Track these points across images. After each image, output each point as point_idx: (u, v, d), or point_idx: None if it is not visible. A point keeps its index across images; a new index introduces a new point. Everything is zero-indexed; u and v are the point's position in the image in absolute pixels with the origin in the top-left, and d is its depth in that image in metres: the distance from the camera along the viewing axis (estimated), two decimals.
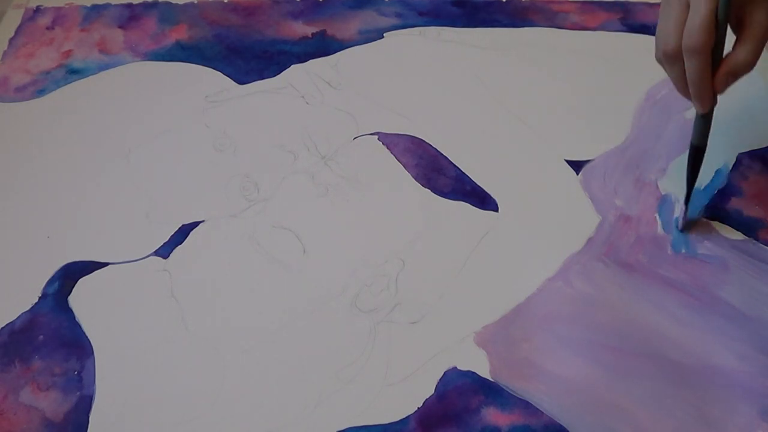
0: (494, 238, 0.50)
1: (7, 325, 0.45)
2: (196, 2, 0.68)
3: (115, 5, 0.67)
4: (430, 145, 0.55)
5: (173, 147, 0.55)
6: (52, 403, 0.41)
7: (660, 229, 0.50)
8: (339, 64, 0.62)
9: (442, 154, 0.55)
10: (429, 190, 0.52)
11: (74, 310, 0.46)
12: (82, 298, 0.46)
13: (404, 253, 0.49)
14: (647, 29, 0.64)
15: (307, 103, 0.58)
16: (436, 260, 0.48)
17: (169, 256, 0.48)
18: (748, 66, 0.42)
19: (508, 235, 0.50)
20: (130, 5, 0.67)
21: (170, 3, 0.67)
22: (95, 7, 0.67)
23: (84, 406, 0.41)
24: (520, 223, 0.50)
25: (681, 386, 0.42)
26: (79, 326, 0.45)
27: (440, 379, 0.42)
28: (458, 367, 0.43)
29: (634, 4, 0.67)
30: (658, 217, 0.50)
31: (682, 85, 0.44)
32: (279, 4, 0.67)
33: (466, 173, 0.53)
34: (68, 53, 0.62)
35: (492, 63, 0.62)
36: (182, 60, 0.62)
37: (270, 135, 0.56)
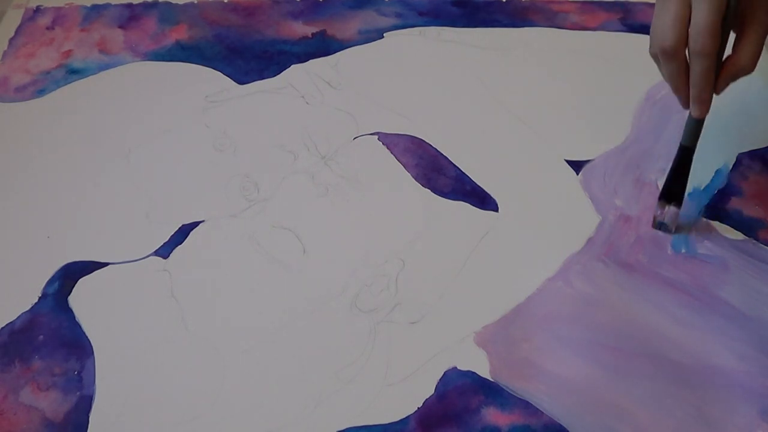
0: (494, 238, 0.50)
1: (7, 325, 0.45)
2: (196, 2, 0.68)
3: (115, 5, 0.67)
4: (430, 145, 0.55)
5: (173, 147, 0.55)
6: (52, 403, 0.41)
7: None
8: (339, 64, 0.62)
9: (442, 154, 0.55)
10: (429, 190, 0.52)
11: (74, 310, 0.46)
12: (82, 298, 0.46)
13: (404, 253, 0.49)
14: (647, 29, 0.63)
15: (307, 103, 0.58)
16: (436, 260, 0.48)
17: (169, 256, 0.48)
18: (751, 68, 0.41)
19: (508, 235, 0.50)
20: (130, 5, 0.67)
21: (170, 3, 0.67)
22: (95, 7, 0.67)
23: (84, 406, 0.41)
24: (520, 223, 0.50)
25: (681, 386, 0.42)
26: (79, 326, 0.45)
27: (440, 379, 0.42)
28: (458, 367, 0.43)
29: (634, 4, 0.67)
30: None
31: (676, 83, 0.43)
32: (279, 4, 0.67)
33: (466, 173, 0.53)
34: (68, 53, 0.62)
35: (492, 63, 0.62)
36: (182, 60, 0.62)
37: (270, 135, 0.56)
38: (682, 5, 0.40)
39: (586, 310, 0.45)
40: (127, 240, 0.49)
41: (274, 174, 0.53)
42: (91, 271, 0.48)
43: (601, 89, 0.60)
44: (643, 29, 0.64)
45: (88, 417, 0.41)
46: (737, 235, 0.49)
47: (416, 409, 0.41)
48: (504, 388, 0.42)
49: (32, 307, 0.46)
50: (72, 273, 0.47)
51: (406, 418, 0.41)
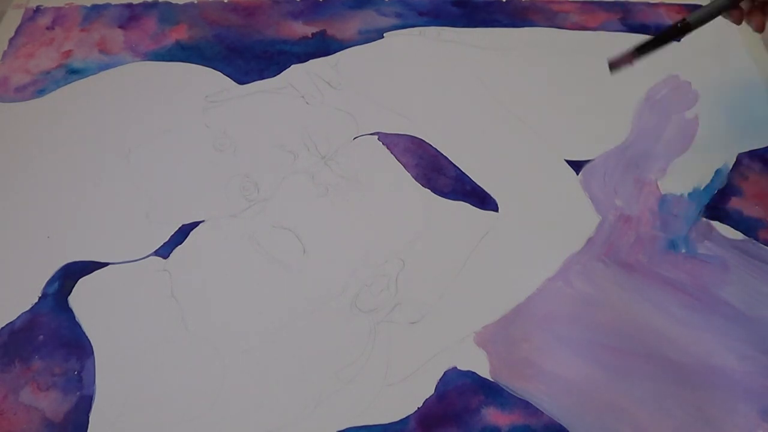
0: (494, 238, 0.50)
1: (7, 325, 0.45)
2: (196, 2, 0.68)
3: (115, 5, 0.67)
4: (430, 145, 0.55)
5: (173, 147, 0.55)
6: (52, 403, 0.41)
7: (660, 229, 0.50)
8: (339, 64, 0.62)
9: (442, 154, 0.55)
10: (429, 190, 0.52)
11: (74, 310, 0.46)
12: (82, 298, 0.46)
13: (404, 253, 0.49)
14: (647, 29, 0.64)
15: (307, 103, 0.58)
16: (436, 260, 0.48)
17: (169, 256, 0.48)
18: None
19: (508, 235, 0.50)
20: (130, 5, 0.67)
21: (170, 3, 0.67)
22: (95, 7, 0.67)
23: (84, 406, 0.41)
24: (520, 223, 0.50)
25: (681, 386, 0.42)
26: (79, 326, 0.45)
27: (440, 379, 0.43)
28: (458, 367, 0.43)
29: (634, 4, 0.67)
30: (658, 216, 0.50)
31: None
32: (279, 4, 0.67)
33: (466, 173, 0.53)
34: (68, 53, 0.62)
35: (492, 63, 0.62)
36: (182, 60, 0.62)
37: (270, 135, 0.56)
38: None
39: (586, 310, 0.45)
40: (127, 240, 0.49)
41: (274, 174, 0.53)
42: (91, 271, 0.48)
43: (601, 89, 0.60)
44: (643, 29, 0.64)
45: (88, 417, 0.41)
46: (737, 235, 0.49)
47: (416, 409, 0.41)
48: (504, 388, 0.42)
49: (32, 307, 0.46)
50: (72, 273, 0.47)
51: (406, 418, 0.41)
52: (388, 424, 0.41)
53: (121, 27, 0.65)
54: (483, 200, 0.52)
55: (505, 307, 0.46)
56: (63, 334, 0.44)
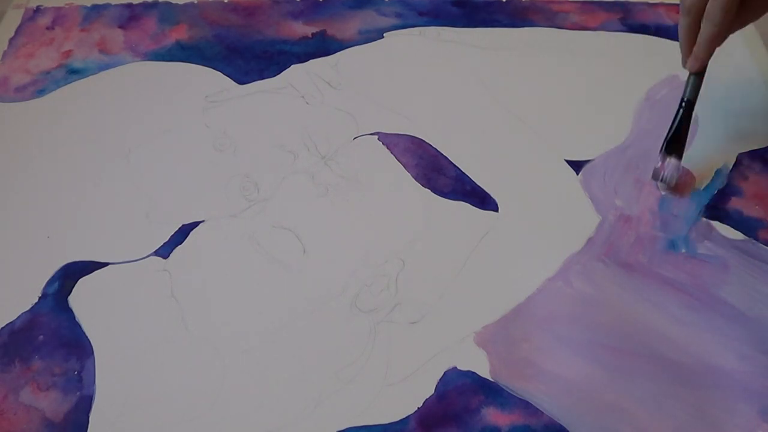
0: (494, 238, 0.50)
1: (7, 325, 0.45)
2: (196, 2, 0.68)
3: (115, 5, 0.67)
4: (430, 145, 0.55)
5: (173, 147, 0.55)
6: (52, 403, 0.41)
7: (660, 229, 0.50)
8: (339, 64, 0.62)
9: (442, 154, 0.55)
10: (429, 190, 0.52)
11: (74, 310, 0.46)
12: (82, 298, 0.46)
13: (404, 253, 0.49)
14: (647, 29, 0.64)
15: (307, 103, 0.58)
16: (436, 260, 0.48)
17: (169, 256, 0.48)
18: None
19: (508, 235, 0.50)
20: (130, 5, 0.67)
21: (170, 3, 0.67)
22: (95, 7, 0.67)
23: (84, 406, 0.41)
24: (520, 223, 0.50)
25: (681, 386, 0.42)
26: (79, 326, 0.45)
27: (440, 379, 0.42)
28: (458, 367, 0.43)
29: (634, 4, 0.67)
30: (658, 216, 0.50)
31: (684, 36, 0.49)
32: (279, 4, 0.67)
33: (466, 173, 0.53)
34: (68, 53, 0.62)
35: (492, 63, 0.62)
36: (182, 60, 0.62)
37: (270, 135, 0.56)
38: None
39: (586, 310, 0.45)
40: (127, 240, 0.49)
41: (274, 174, 0.53)
42: (91, 271, 0.48)
43: (601, 89, 0.60)
44: (643, 29, 0.64)
45: (88, 417, 0.41)
46: (737, 235, 0.49)
47: (416, 409, 0.41)
48: (504, 388, 0.42)
49: (32, 307, 0.46)
50: (72, 273, 0.47)
51: (406, 418, 0.41)
52: (388, 424, 0.41)
53: (121, 27, 0.65)
54: (483, 200, 0.52)
55: (505, 307, 0.46)
56: (63, 334, 0.44)
